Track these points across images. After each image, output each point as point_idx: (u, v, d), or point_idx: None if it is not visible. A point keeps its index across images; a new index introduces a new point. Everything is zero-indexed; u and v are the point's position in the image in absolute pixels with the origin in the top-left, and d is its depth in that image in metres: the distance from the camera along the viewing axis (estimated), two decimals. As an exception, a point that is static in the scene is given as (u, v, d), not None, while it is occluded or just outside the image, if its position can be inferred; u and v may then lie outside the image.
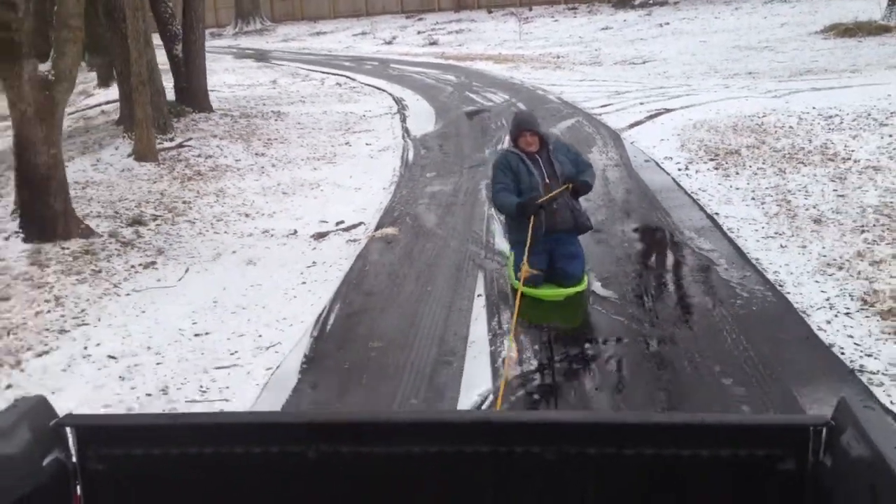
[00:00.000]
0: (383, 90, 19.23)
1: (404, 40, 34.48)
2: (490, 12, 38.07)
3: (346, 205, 8.94)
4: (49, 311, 5.99)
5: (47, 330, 5.70)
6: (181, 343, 5.45)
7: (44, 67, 7.16)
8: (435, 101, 16.58)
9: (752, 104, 13.05)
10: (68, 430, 1.59)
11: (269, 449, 1.56)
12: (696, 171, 9.25)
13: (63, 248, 7.13)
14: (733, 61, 19.76)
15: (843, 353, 4.62)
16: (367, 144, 12.71)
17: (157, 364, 5.14)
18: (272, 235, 7.96)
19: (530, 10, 36.18)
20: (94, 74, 22.09)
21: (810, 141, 10.20)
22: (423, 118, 14.66)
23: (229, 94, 18.87)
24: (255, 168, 11.01)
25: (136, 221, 8.03)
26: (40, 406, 1.58)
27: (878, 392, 4.13)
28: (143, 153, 10.59)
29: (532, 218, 5.43)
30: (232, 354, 5.22)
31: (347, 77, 22.53)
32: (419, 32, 36.10)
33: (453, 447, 1.54)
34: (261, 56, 30.68)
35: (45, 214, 7.21)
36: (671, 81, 17.14)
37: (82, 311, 6.04)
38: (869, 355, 4.57)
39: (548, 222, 5.48)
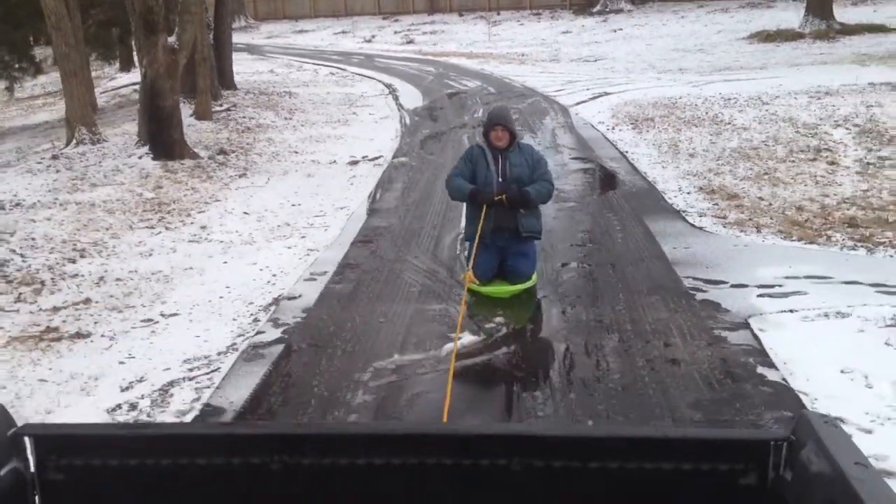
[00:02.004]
0: (373, 78, 22.64)
1: (383, 39, 37.84)
2: (461, 15, 41.53)
3: (366, 148, 12.40)
4: (191, 194, 9.39)
5: (196, 203, 9.09)
6: (284, 208, 8.89)
7: (170, 39, 10.53)
8: (420, 86, 20.07)
9: (673, 90, 16.70)
10: (27, 439, 1.54)
11: (231, 460, 1.53)
12: (619, 130, 12.83)
13: (182, 164, 10.52)
14: (669, 60, 23.46)
15: (677, 207, 8.17)
16: (370, 114, 16.17)
17: (275, 216, 8.57)
18: (318, 163, 11.40)
19: (498, 14, 39.73)
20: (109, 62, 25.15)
21: (706, 113, 13.82)
22: (411, 97, 18.15)
23: (240, 78, 22.11)
24: (289, 126, 14.43)
25: (222, 152, 11.42)
26: None
27: (688, 218, 7.69)
28: (203, 114, 13.91)
29: (484, 208, 5.67)
30: (320, 212, 8.66)
31: (339, 68, 25.92)
32: (396, 32, 39.44)
33: (417, 459, 1.52)
34: (252, 50, 33.79)
35: (168, 141, 10.57)
36: (615, 75, 20.78)
37: (211, 196, 9.44)
38: (691, 208, 8.12)
39: (495, 220, 5.69)
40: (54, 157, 11.38)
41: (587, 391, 4.41)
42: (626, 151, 11.14)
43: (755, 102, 14.75)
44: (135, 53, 21.50)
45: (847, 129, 12.07)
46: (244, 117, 14.76)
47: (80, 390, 4.73)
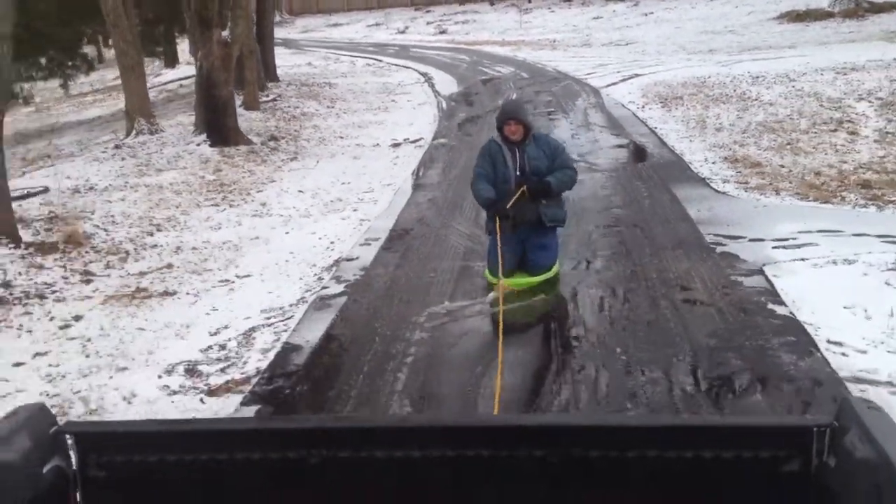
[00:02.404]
0: (409, 67, 23.32)
1: (416, 30, 38.52)
2: (492, 4, 42.09)
3: (406, 131, 13.08)
4: (248, 176, 10.15)
5: (254, 184, 9.84)
6: (335, 186, 9.60)
7: (224, 34, 11.28)
8: (454, 74, 20.72)
9: (702, 70, 17.19)
10: (68, 437, 1.57)
11: (268, 455, 1.55)
12: (649, 109, 13.37)
13: (237, 150, 11.28)
14: (699, 42, 23.86)
15: (702, 175, 8.73)
16: (408, 101, 16.85)
17: (328, 193, 9.28)
18: (363, 146, 12.10)
19: (529, 1, 40.24)
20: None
21: (734, 91, 14.31)
22: (447, 84, 18.80)
23: (281, 71, 22.89)
24: (332, 114, 15.16)
25: (273, 138, 12.18)
26: (40, 413, 1.58)
27: (712, 184, 8.26)
28: (251, 104, 14.67)
29: (497, 220, 5.59)
30: (368, 188, 9.36)
31: (374, 59, 26.64)
32: (428, 23, 40.11)
33: (455, 451, 1.52)
34: (289, 44, 34.61)
35: (224, 129, 11.34)
36: (645, 57, 21.26)
37: (267, 177, 10.19)
38: (716, 176, 8.69)
39: (514, 220, 5.61)
40: (117, 147, 12.20)
41: (617, 326, 5.05)
42: (656, 128, 11.70)
43: (782, 79, 15.20)
44: (179, 49, 22.54)
45: (870, 102, 12.52)
46: (289, 107, 15.52)
47: (174, 335, 5.47)
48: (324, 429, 1.65)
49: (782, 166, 8.85)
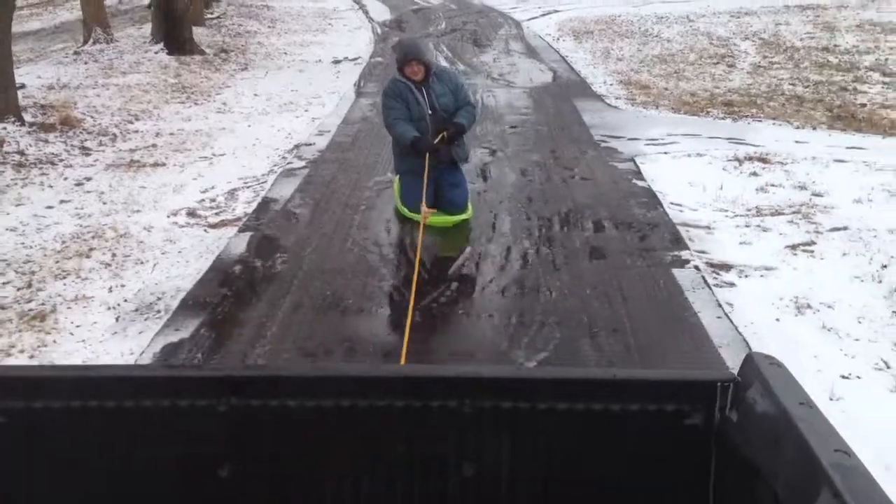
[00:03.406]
0: (342, -6, 24.35)
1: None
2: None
3: (345, 51, 14.40)
4: (206, 81, 11.41)
5: (212, 87, 11.12)
6: (286, 92, 10.95)
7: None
8: (386, 2, 21.92)
9: (615, 10, 18.86)
10: None
11: (177, 402, 1.52)
12: (562, 41, 14.97)
13: (192, 59, 12.48)
14: (617, -16, 25.47)
15: (599, 93, 10.42)
16: (343, 25, 18.09)
17: (280, 97, 10.64)
18: (306, 62, 13.41)
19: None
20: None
21: (639, 28, 16.02)
22: (380, 12, 20.06)
23: (219, -8, 23.71)
24: (273, 33, 16.34)
25: (223, 51, 13.38)
26: None
27: (606, 100, 9.94)
28: (197, 20, 15.68)
29: (427, 156, 5.61)
30: (316, 95, 10.75)
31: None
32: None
33: (366, 401, 1.53)
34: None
35: (180, 38, 12.50)
36: (566, -4, 22.82)
37: (223, 83, 11.47)
38: (610, 94, 10.38)
39: (431, 160, 5.66)
40: (76, 53, 13.22)
41: (522, 191, 6.69)
42: (566, 56, 13.32)
43: (682, 20, 16.98)
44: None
45: (753, 41, 14.38)
46: (233, 24, 16.62)
47: (172, 192, 6.90)
48: (234, 377, 1.60)
49: (666, 88, 10.59)
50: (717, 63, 12.40)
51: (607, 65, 12.43)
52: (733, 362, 4.04)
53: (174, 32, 12.55)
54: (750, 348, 4.16)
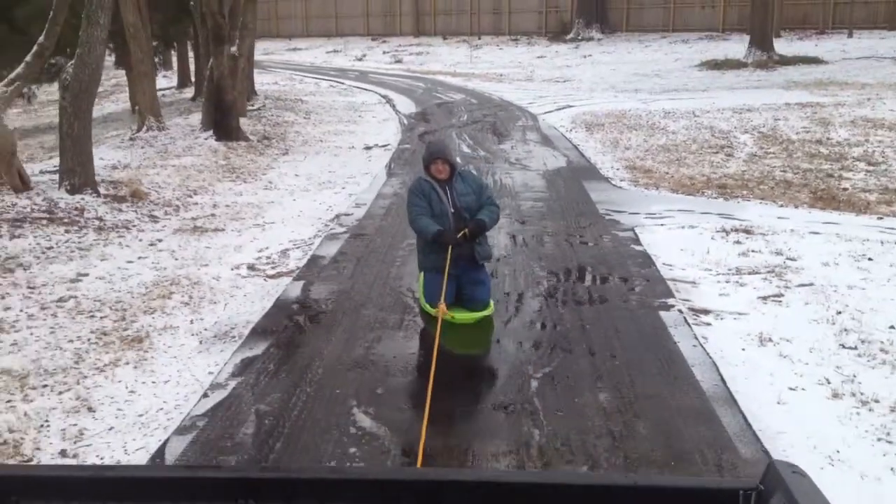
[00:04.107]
0: (370, 90, 26.04)
1: (373, 58, 41.31)
2: (445, 38, 45.04)
3: (375, 139, 15.74)
4: (252, 164, 12.69)
5: (258, 169, 12.39)
6: (324, 173, 12.20)
7: (232, 49, 13.85)
8: (412, 97, 23.50)
9: (625, 105, 20.23)
10: None
11: None
12: (575, 131, 16.27)
13: (239, 144, 13.83)
14: (628, 83, 27.04)
15: (606, 176, 11.58)
16: (373, 117, 19.55)
17: (319, 177, 11.88)
18: (340, 148, 14.73)
19: (479, 38, 43.33)
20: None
21: (647, 122, 17.31)
22: (406, 105, 21.56)
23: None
24: (309, 123, 17.77)
25: (265, 138, 14.74)
26: None
27: (612, 182, 11.09)
28: (241, 111, 17.16)
29: (450, 249, 5.76)
30: (351, 175, 11.98)
31: (337, 81, 29.31)
32: (384, 52, 42.88)
33: None
34: (254, 64, 37.04)
35: (228, 127, 13.87)
36: (579, 93, 24.32)
37: (267, 165, 12.75)
38: (616, 177, 11.54)
39: (453, 253, 5.78)
40: (131, 139, 14.62)
41: (534, 254, 7.76)
42: (578, 144, 14.57)
43: (688, 115, 18.28)
44: (192, 60, 24.75)
45: (752, 134, 15.59)
46: (272, 116, 18.10)
47: (233, 251, 8.02)
48: (252, 479, 1.60)
49: (667, 173, 11.74)
50: (717, 153, 13.56)
51: (615, 153, 13.63)
52: (701, 376, 5.03)
53: (223, 121, 13.92)
54: (719, 371, 5.14)
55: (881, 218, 9.08)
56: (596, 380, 5.02)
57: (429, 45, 43.53)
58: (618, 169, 12.19)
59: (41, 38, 9.71)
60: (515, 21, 43.17)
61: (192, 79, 24.96)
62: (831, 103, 19.60)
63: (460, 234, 5.84)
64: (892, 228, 8.57)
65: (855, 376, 5.07)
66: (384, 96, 24.06)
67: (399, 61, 39.02)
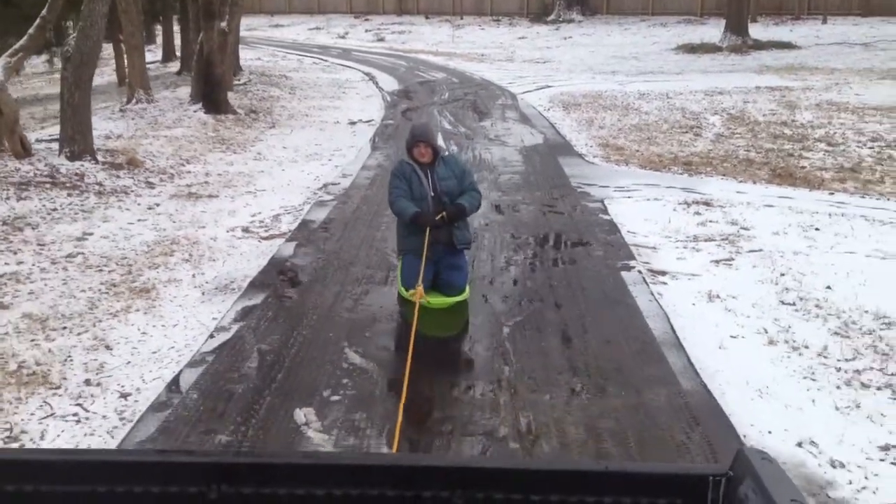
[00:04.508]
0: (353, 67, 26.46)
1: (355, 36, 41.57)
2: (427, 18, 45.36)
3: (359, 114, 16.26)
4: (240, 136, 13.19)
5: (246, 141, 12.90)
6: (310, 146, 12.72)
7: (222, 24, 14.30)
8: (394, 75, 23.98)
9: (602, 86, 20.82)
10: None
11: (168, 489, 1.50)
12: (552, 111, 16.86)
13: (227, 117, 14.31)
14: (606, 65, 27.61)
15: (580, 152, 12.18)
16: (356, 93, 20.03)
17: (306, 149, 12.41)
18: (325, 122, 15.25)
19: (462, 18, 43.71)
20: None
21: (622, 102, 17.92)
22: (389, 83, 22.04)
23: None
24: (294, 98, 18.25)
25: (252, 111, 15.23)
26: None
27: (585, 158, 11.71)
28: (227, 85, 17.61)
29: (428, 231, 5.75)
30: (337, 148, 12.52)
31: (320, 58, 29.69)
32: (367, 31, 43.13)
33: (358, 490, 1.52)
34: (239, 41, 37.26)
35: (217, 100, 14.34)
36: (558, 73, 24.87)
37: (255, 137, 13.25)
38: (590, 153, 12.15)
39: (430, 237, 5.77)
40: (122, 111, 15.05)
41: (510, 221, 8.36)
42: (555, 123, 15.16)
43: (661, 97, 18.88)
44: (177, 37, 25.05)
45: (721, 115, 16.23)
46: (258, 90, 18.56)
47: (227, 215, 8.57)
48: (225, 463, 1.59)
49: (637, 150, 12.36)
50: (686, 132, 14.19)
51: (590, 131, 14.23)
52: (654, 325, 5.66)
53: (212, 94, 14.38)
54: (670, 321, 5.77)
55: (832, 193, 9.74)
56: (560, 327, 5.64)
57: (411, 24, 43.83)
58: (591, 146, 12.79)
59: (43, 12, 10.15)
60: (498, 2, 43.58)
61: (178, 53, 25.28)
62: (800, 87, 20.28)
63: (438, 217, 5.83)
64: (842, 203, 9.23)
65: (790, 327, 5.71)
66: (367, 74, 24.49)
67: (381, 39, 39.34)
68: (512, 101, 18.28)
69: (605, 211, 8.76)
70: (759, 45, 29.44)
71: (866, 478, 3.95)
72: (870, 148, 12.54)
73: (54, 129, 12.77)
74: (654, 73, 24.89)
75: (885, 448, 4.21)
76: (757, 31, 31.29)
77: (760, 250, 7.42)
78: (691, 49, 30.24)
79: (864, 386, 4.87)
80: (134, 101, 15.40)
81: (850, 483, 3.92)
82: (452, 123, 15.11)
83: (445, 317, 5.84)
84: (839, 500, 3.77)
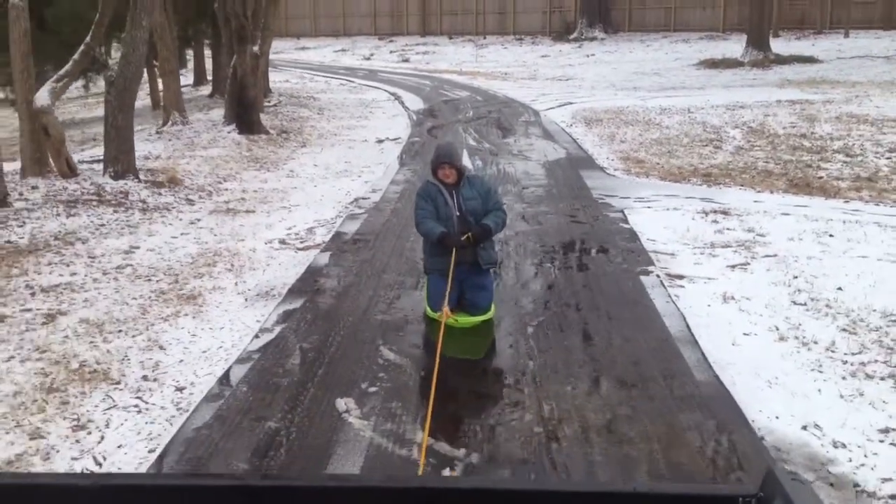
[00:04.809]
0: (379, 87, 27.04)
1: (380, 57, 42.28)
2: (451, 38, 46.02)
3: (386, 133, 16.73)
4: (273, 155, 13.69)
5: (279, 159, 13.39)
6: (340, 163, 13.20)
7: (254, 48, 14.85)
8: (420, 94, 24.50)
9: (623, 102, 21.19)
10: None
11: None
12: (575, 126, 17.24)
13: (260, 137, 14.83)
14: (628, 81, 27.99)
15: (601, 166, 12.55)
16: (383, 113, 20.55)
17: (336, 166, 12.87)
18: (354, 141, 15.73)
19: (485, 38, 44.31)
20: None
21: (643, 118, 18.27)
22: (414, 102, 22.56)
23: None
24: (322, 119, 18.78)
25: (284, 131, 15.75)
26: None
27: (607, 171, 12.07)
28: (259, 108, 18.20)
29: (454, 252, 5.79)
30: (366, 165, 12.98)
31: (347, 80, 30.32)
32: (392, 52, 43.84)
33: None
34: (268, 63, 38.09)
35: (250, 121, 14.88)
36: (580, 90, 25.28)
37: (287, 156, 13.75)
38: (611, 166, 12.51)
39: (456, 257, 5.81)
40: (158, 133, 15.63)
41: (534, 230, 8.74)
42: (577, 138, 15.54)
43: (683, 111, 19.22)
44: (208, 61, 25.74)
45: (741, 129, 16.53)
46: (287, 111, 19.12)
47: (264, 228, 9.01)
48: (251, 486, 1.59)
49: (657, 163, 12.71)
50: (706, 145, 14.52)
51: (611, 146, 14.60)
52: (670, 324, 6.00)
53: (245, 116, 14.93)
54: (686, 320, 6.11)
55: (847, 201, 10.03)
56: (581, 326, 6.00)
57: (435, 44, 44.50)
58: (612, 160, 13.15)
59: (87, 38, 10.70)
60: (520, 21, 44.14)
61: (208, 77, 25.98)
62: (820, 100, 20.52)
63: (464, 237, 5.85)
64: (857, 210, 9.52)
65: (800, 325, 6.03)
66: (393, 94, 25.03)
67: (406, 60, 39.98)
68: (535, 118, 18.69)
69: (626, 220, 9.12)
70: (781, 60, 29.67)
71: (865, 456, 4.27)
72: (887, 158, 12.79)
73: (94, 151, 13.37)
74: (675, 88, 25.23)
75: (885, 431, 4.53)
76: (779, 45, 31.56)
77: (775, 255, 7.74)
78: (713, 64, 30.55)
79: (868, 377, 5.18)
80: (170, 123, 15.98)
81: (850, 461, 4.23)
82: (477, 140, 15.54)
83: (470, 335, 5.86)
84: (839, 475, 4.09)
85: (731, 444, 4.32)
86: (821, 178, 11.64)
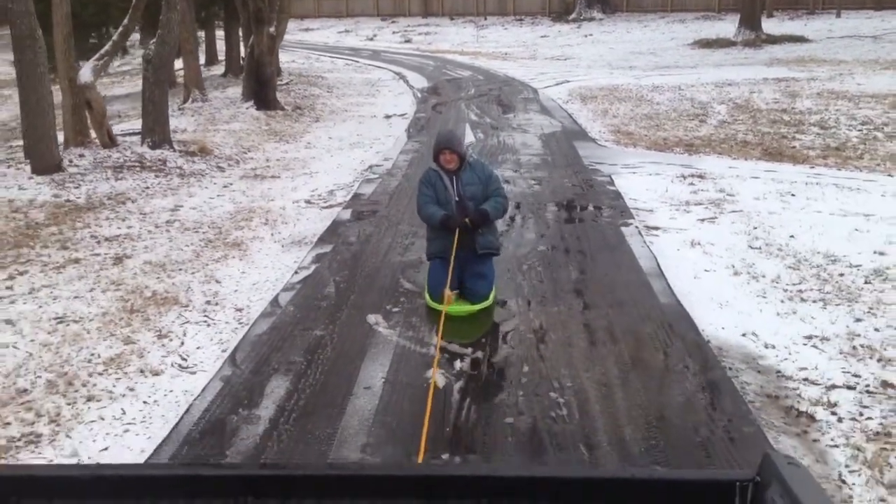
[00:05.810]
0: (383, 67, 28.07)
1: (383, 38, 43.21)
2: (452, 19, 46.93)
3: (393, 109, 17.83)
4: (290, 129, 14.79)
5: (296, 133, 14.50)
6: (353, 136, 14.30)
7: (270, 29, 15.91)
8: (423, 73, 25.55)
9: (618, 80, 22.25)
10: None
11: (194, 502, 1.51)
12: (571, 103, 18.33)
13: (276, 113, 15.93)
14: (625, 60, 29.00)
15: (593, 137, 13.65)
16: (389, 91, 21.62)
17: (349, 139, 13.98)
18: (363, 116, 16.83)
19: (485, 18, 45.23)
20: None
21: (636, 94, 19.34)
22: (418, 81, 23.62)
23: (278, 64, 27.49)
24: (332, 96, 19.87)
25: (297, 108, 16.85)
26: None
27: (598, 142, 13.19)
28: (274, 86, 19.27)
29: (457, 233, 5.81)
30: (376, 137, 14.08)
31: (352, 60, 31.33)
32: (394, 32, 44.75)
33: (383, 501, 1.52)
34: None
35: (267, 98, 15.97)
36: (578, 69, 26.32)
37: (303, 130, 14.85)
38: (602, 138, 13.62)
39: (457, 242, 5.85)
40: (181, 109, 16.71)
41: (530, 191, 9.86)
42: (572, 113, 16.63)
43: (674, 89, 20.27)
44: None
45: (727, 105, 17.61)
46: (299, 90, 20.22)
47: (291, 190, 10.14)
48: (252, 476, 1.61)
49: (645, 135, 13.82)
50: (692, 119, 15.60)
51: (604, 120, 15.69)
52: (643, 263, 7.14)
53: (262, 93, 16.01)
54: (657, 260, 7.25)
55: (812, 167, 11.15)
56: (568, 264, 7.14)
57: (437, 25, 45.43)
58: (604, 132, 14.26)
59: (125, 20, 11.79)
60: (520, 2, 45.08)
61: (220, 58, 27.01)
62: (805, 78, 21.56)
63: (463, 222, 5.92)
64: (819, 174, 10.64)
65: (754, 264, 7.16)
66: (397, 73, 26.08)
67: (408, 41, 40.94)
68: (533, 95, 19.77)
69: (612, 183, 10.24)
70: (773, 39, 30.63)
71: (790, 354, 5.41)
72: (858, 130, 13.88)
73: (127, 125, 14.48)
74: (669, 67, 26.26)
75: (809, 337, 5.66)
76: (772, 25, 32.53)
77: (741, 211, 8.86)
78: (707, 44, 31.54)
79: (803, 300, 6.32)
80: (190, 100, 17.04)
81: (776, 357, 5.37)
82: (479, 115, 16.62)
83: (469, 322, 5.87)
84: (765, 366, 5.23)
85: (683, 343, 5.46)
86: (793, 147, 12.74)
